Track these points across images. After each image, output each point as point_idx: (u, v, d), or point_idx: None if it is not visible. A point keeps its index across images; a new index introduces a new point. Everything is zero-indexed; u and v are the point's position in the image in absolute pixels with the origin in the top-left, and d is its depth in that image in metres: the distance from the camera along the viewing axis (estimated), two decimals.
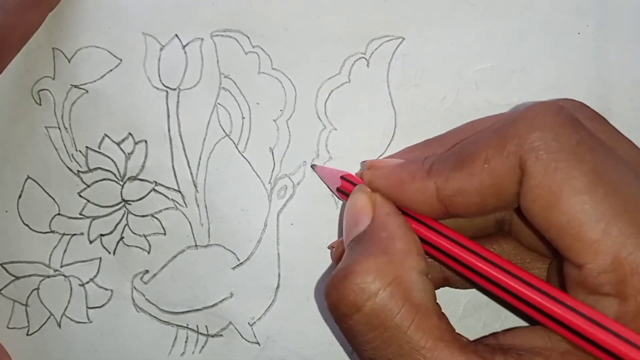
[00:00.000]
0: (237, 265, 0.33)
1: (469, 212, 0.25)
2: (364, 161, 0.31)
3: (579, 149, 0.22)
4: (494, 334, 0.25)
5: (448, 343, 0.23)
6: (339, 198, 0.32)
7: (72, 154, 0.34)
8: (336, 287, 0.24)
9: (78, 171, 0.34)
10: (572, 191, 0.21)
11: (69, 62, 0.33)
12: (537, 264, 0.28)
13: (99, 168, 0.34)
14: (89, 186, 0.34)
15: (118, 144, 0.33)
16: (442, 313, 0.24)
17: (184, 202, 0.33)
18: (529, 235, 0.27)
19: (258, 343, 0.33)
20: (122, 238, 0.34)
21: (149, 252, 0.34)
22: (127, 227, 0.34)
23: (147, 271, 0.34)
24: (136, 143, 0.33)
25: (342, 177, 0.30)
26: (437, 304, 0.24)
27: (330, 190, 0.32)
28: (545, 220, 0.22)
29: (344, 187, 0.30)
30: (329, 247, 0.32)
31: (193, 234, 0.33)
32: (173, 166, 0.33)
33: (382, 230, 0.25)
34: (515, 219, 0.28)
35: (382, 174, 0.27)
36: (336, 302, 0.24)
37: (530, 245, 0.28)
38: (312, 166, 0.33)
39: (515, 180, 0.23)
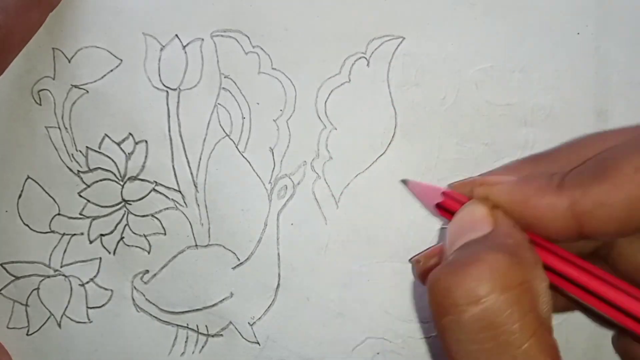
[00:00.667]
0: (237, 265, 0.33)
1: (608, 231, 0.22)
2: (451, 183, 0.27)
3: None
4: None
5: None
6: (436, 216, 0.29)
7: (72, 154, 0.34)
8: (455, 273, 0.21)
9: (78, 171, 0.34)
10: None
11: (69, 62, 0.33)
12: None
13: (99, 168, 0.34)
14: (89, 186, 0.34)
15: (118, 144, 0.33)
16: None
17: (184, 202, 0.33)
18: (631, 263, 0.25)
19: (258, 343, 0.33)
20: (122, 238, 0.34)
21: (149, 252, 0.34)
22: (127, 227, 0.34)
23: (147, 271, 0.34)
24: (136, 143, 0.33)
25: (444, 193, 0.26)
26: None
27: (425, 207, 0.29)
28: None
29: (446, 204, 0.27)
30: (411, 261, 0.30)
31: (193, 234, 0.33)
32: (173, 166, 0.33)
33: (508, 237, 0.22)
34: (618, 245, 0.25)
35: (501, 189, 0.24)
36: (451, 288, 0.21)
37: (628, 273, 0.25)
38: (404, 181, 0.30)
39: None
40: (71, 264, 0.34)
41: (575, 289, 0.22)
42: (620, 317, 0.21)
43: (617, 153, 0.21)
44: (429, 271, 0.23)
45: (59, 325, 0.34)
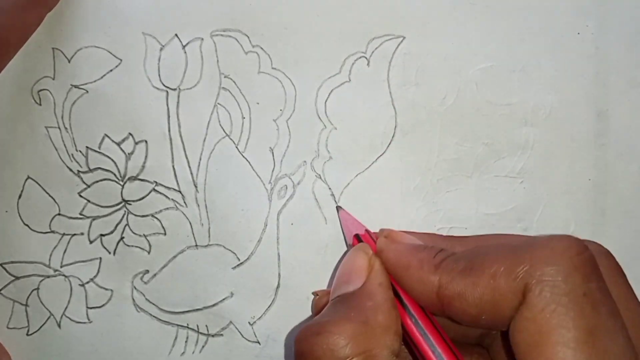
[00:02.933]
0: (238, 265, 0.33)
1: (462, 320, 0.24)
2: (382, 229, 0.30)
3: (583, 300, 0.21)
4: None
5: None
6: (348, 247, 0.32)
7: (72, 154, 0.34)
8: (308, 340, 0.24)
9: (78, 171, 0.34)
10: (560, 340, 0.21)
11: (69, 62, 0.33)
12: None
13: (99, 168, 0.34)
14: (89, 186, 0.34)
15: (118, 144, 0.33)
16: None
17: (184, 202, 0.33)
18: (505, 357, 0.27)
19: (259, 342, 0.33)
20: (122, 238, 0.34)
21: (149, 252, 0.34)
22: (127, 227, 0.34)
23: (147, 271, 0.34)
24: (136, 143, 0.33)
25: (355, 236, 0.30)
26: None
27: (344, 237, 0.32)
28: (523, 355, 0.22)
29: (364, 238, 0.30)
30: (313, 293, 0.32)
31: (193, 234, 0.33)
32: (173, 166, 0.33)
33: (369, 298, 0.25)
34: (498, 341, 0.28)
35: (394, 250, 0.27)
36: (305, 353, 0.24)
37: None
38: (338, 207, 0.33)
39: (514, 304, 0.22)
40: (71, 264, 0.34)
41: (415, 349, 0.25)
42: None
43: (486, 254, 0.24)
44: (319, 309, 0.27)
45: (59, 325, 0.34)
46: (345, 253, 0.32)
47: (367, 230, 0.30)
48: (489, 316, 0.23)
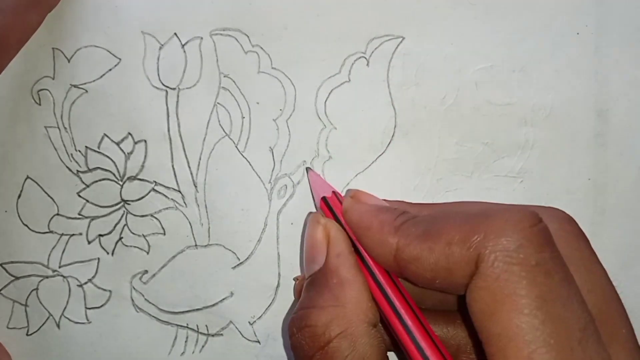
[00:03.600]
0: (237, 264, 0.33)
1: (418, 283, 0.25)
2: (349, 189, 0.31)
3: (535, 269, 0.22)
4: None
5: None
6: (317, 208, 0.32)
7: (71, 154, 0.34)
8: (294, 335, 0.26)
9: (77, 171, 0.34)
10: (512, 307, 0.21)
11: (69, 61, 0.33)
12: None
13: (99, 168, 0.34)
14: (88, 186, 0.34)
15: (117, 144, 0.33)
16: None
17: (184, 202, 0.33)
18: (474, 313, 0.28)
19: (259, 342, 0.33)
20: (120, 238, 0.34)
21: (148, 252, 0.34)
22: (126, 227, 0.34)
23: (146, 271, 0.34)
24: (136, 143, 0.33)
25: (322, 198, 0.30)
26: (386, 356, 0.25)
27: (313, 199, 0.33)
28: (480, 322, 0.22)
29: (331, 200, 0.30)
30: (293, 279, 0.33)
31: (193, 234, 0.33)
32: (173, 166, 0.33)
33: (333, 275, 0.26)
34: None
35: (357, 210, 0.27)
36: (295, 348, 0.26)
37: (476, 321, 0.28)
38: (307, 169, 0.33)
39: (467, 272, 0.23)
40: (69, 264, 0.34)
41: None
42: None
43: (443, 221, 0.24)
44: (300, 290, 0.28)
45: (58, 325, 0.34)
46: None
47: (334, 192, 0.30)
48: (443, 281, 0.24)
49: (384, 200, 0.29)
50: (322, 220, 0.28)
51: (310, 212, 0.33)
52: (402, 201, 0.31)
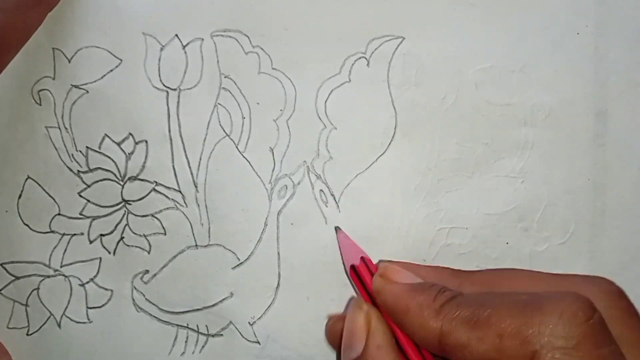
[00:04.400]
0: (238, 265, 0.33)
1: None
2: (380, 262, 0.31)
3: None
4: None
5: None
6: (346, 275, 0.32)
7: (72, 154, 0.34)
8: None
9: (78, 171, 0.34)
10: None
11: (69, 62, 0.33)
12: None
13: (99, 168, 0.34)
14: (89, 186, 0.34)
15: (118, 144, 0.33)
16: None
17: (184, 202, 0.33)
18: None
19: (258, 342, 0.33)
20: (122, 238, 0.34)
21: (149, 252, 0.34)
22: (127, 227, 0.34)
23: (147, 271, 0.34)
24: (136, 143, 0.33)
25: (352, 267, 0.30)
26: None
27: (342, 262, 0.32)
28: None
29: (353, 277, 0.30)
30: (327, 317, 0.33)
31: (193, 234, 0.33)
32: (173, 166, 0.33)
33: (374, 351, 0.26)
34: None
35: (391, 292, 0.27)
36: None
37: None
38: (336, 228, 0.33)
39: None
40: (71, 264, 0.34)
41: None
42: None
43: (493, 309, 0.23)
44: (333, 332, 0.29)
45: (59, 325, 0.34)
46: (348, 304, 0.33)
47: (362, 258, 0.30)
48: None
49: (413, 268, 0.29)
50: (365, 307, 0.27)
51: (352, 297, 0.32)
52: (434, 266, 0.31)
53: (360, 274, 0.29)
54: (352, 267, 0.30)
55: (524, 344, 0.22)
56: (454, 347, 0.24)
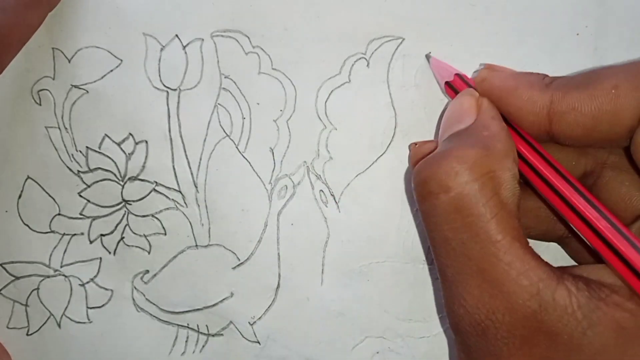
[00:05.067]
0: (238, 265, 0.33)
1: (572, 135, 0.24)
2: (482, 63, 0.31)
3: None
4: (562, 266, 0.25)
5: (522, 245, 0.23)
6: (444, 94, 0.32)
7: (72, 154, 0.34)
8: (431, 166, 0.24)
9: (78, 171, 0.34)
10: None
11: (69, 62, 0.33)
12: None
13: (99, 168, 0.34)
14: (89, 186, 0.34)
15: (118, 144, 0.33)
16: (521, 222, 0.24)
17: (185, 202, 0.33)
18: (613, 195, 0.27)
19: (258, 342, 0.33)
20: (122, 238, 0.34)
21: (149, 252, 0.34)
22: (127, 227, 0.34)
23: (147, 271, 0.34)
24: (137, 143, 0.33)
25: (446, 84, 0.30)
26: (518, 211, 0.24)
27: (438, 84, 0.32)
28: None
29: (454, 83, 0.30)
30: (410, 146, 0.31)
31: (193, 234, 0.33)
32: (173, 166, 0.33)
33: (484, 129, 0.25)
34: (605, 176, 0.28)
35: (498, 75, 0.27)
36: (427, 179, 0.24)
37: (611, 203, 0.28)
38: (427, 56, 0.32)
39: (636, 113, 0.22)
40: (71, 264, 0.34)
41: (536, 178, 0.26)
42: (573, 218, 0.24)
43: (604, 71, 0.24)
44: (420, 157, 0.27)
45: (59, 325, 0.34)
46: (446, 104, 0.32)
47: (456, 75, 0.30)
48: (607, 127, 0.23)
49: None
50: (475, 94, 0.27)
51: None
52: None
53: (455, 85, 0.29)
54: (447, 83, 0.30)
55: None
56: (563, 112, 0.24)
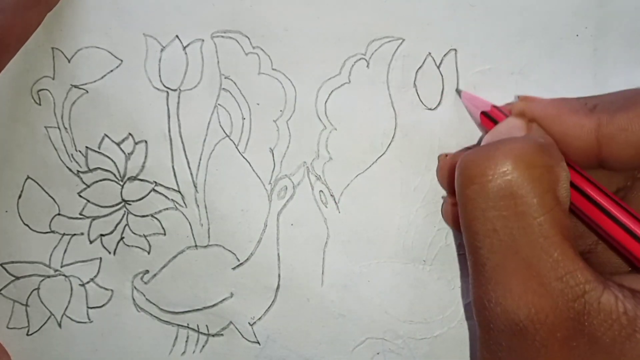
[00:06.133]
0: (237, 265, 0.33)
1: (623, 156, 0.24)
2: (517, 95, 0.30)
3: None
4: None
5: (573, 245, 0.22)
6: (479, 126, 0.32)
7: (71, 154, 0.34)
8: (486, 150, 0.23)
9: (78, 171, 0.34)
10: None
11: (69, 62, 0.33)
12: None
13: (99, 168, 0.34)
14: (88, 186, 0.34)
15: (118, 144, 0.33)
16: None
17: (184, 203, 0.33)
18: None
19: (258, 342, 0.33)
20: (122, 238, 0.34)
21: (149, 252, 0.34)
22: (127, 227, 0.34)
23: (147, 271, 0.34)
24: (136, 143, 0.33)
25: (482, 113, 0.29)
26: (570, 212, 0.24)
27: (472, 117, 0.32)
28: None
29: (492, 113, 0.29)
30: (439, 157, 0.31)
31: (193, 235, 0.34)
32: (173, 166, 0.33)
33: (540, 138, 0.25)
34: (637, 187, 0.27)
35: (538, 105, 0.26)
36: (480, 160, 0.23)
37: None
38: (458, 91, 0.32)
39: None
40: (71, 264, 0.34)
41: (586, 203, 0.25)
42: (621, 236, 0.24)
43: None
44: (451, 166, 0.26)
45: (59, 325, 0.34)
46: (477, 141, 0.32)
47: (493, 106, 0.29)
48: None
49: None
50: (522, 117, 0.27)
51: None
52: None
53: (493, 115, 0.28)
54: (483, 113, 0.29)
55: None
56: (612, 134, 0.23)
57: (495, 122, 0.28)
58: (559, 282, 0.22)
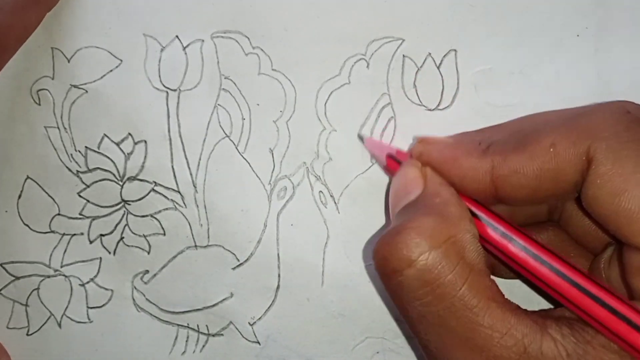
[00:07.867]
0: (237, 265, 0.33)
1: (518, 197, 0.24)
2: (415, 136, 0.31)
3: None
4: (543, 310, 0.25)
5: (500, 304, 0.23)
6: (385, 172, 0.32)
7: (71, 154, 0.34)
8: (388, 243, 0.24)
9: (77, 171, 0.34)
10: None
11: (69, 62, 0.33)
12: (581, 259, 0.28)
13: (99, 168, 0.34)
14: (88, 186, 0.34)
15: (117, 144, 0.33)
16: (492, 277, 0.24)
17: (184, 203, 0.33)
18: (579, 227, 0.27)
19: (258, 342, 0.33)
20: (122, 238, 0.34)
21: (149, 252, 0.34)
22: (127, 227, 0.34)
23: (147, 271, 0.34)
24: (136, 143, 0.33)
25: (388, 155, 0.30)
26: (487, 268, 0.24)
27: (377, 162, 0.32)
28: (612, 206, 0.22)
29: (390, 165, 0.29)
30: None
31: (192, 235, 0.34)
32: (173, 167, 0.33)
33: (435, 196, 0.25)
34: (567, 209, 0.28)
35: (434, 148, 0.27)
36: (388, 256, 0.23)
37: (577, 237, 0.28)
38: (360, 137, 0.32)
39: (578, 168, 0.23)
40: (71, 264, 0.34)
41: (489, 244, 0.25)
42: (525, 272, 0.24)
43: (539, 129, 0.24)
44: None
45: (59, 325, 0.34)
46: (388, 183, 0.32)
47: (397, 151, 0.30)
48: (551, 185, 0.23)
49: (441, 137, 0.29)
50: (418, 164, 0.27)
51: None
52: (465, 132, 0.30)
53: (397, 157, 0.29)
54: (389, 155, 0.29)
55: (577, 143, 0.23)
56: (506, 176, 0.24)
57: (399, 162, 0.29)
58: (499, 348, 0.22)
